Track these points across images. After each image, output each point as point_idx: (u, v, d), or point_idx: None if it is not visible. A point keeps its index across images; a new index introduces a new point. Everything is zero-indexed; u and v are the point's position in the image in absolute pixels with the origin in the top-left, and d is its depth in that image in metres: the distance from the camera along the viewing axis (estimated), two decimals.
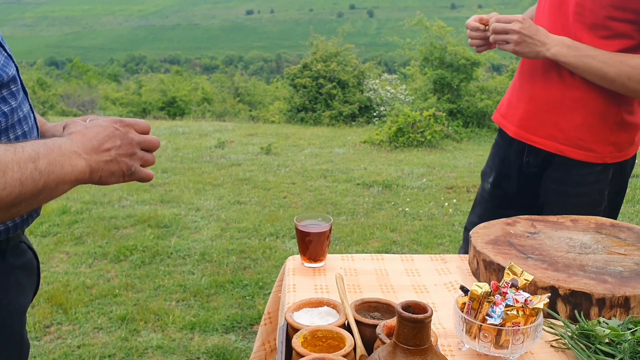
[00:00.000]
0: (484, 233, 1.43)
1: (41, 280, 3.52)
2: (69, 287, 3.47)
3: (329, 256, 1.40)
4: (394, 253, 4.13)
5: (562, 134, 1.62)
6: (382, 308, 1.06)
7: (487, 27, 1.61)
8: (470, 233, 1.43)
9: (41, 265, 3.73)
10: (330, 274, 1.34)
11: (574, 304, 1.16)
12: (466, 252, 1.89)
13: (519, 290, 1.07)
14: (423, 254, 1.50)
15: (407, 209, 5.23)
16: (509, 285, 1.08)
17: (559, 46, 1.50)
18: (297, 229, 1.35)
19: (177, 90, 24.18)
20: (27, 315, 3.03)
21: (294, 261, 1.39)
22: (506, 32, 1.52)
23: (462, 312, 1.06)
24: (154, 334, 2.93)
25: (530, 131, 1.66)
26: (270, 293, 3.40)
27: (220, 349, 2.80)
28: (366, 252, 4.12)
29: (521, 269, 1.10)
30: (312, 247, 1.34)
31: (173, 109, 23.01)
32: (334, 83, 14.31)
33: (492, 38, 1.57)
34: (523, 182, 1.76)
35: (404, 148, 9.04)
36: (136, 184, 6.18)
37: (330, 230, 1.36)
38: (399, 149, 8.97)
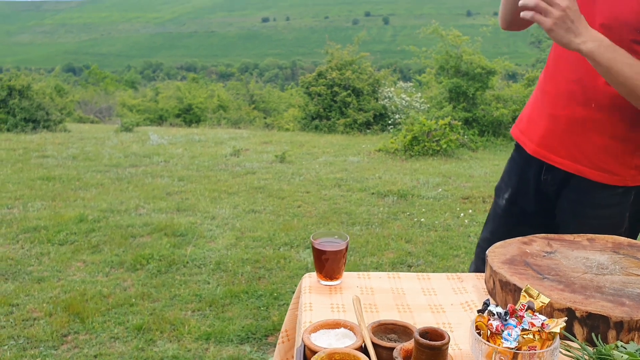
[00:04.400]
0: (500, 252, 1.43)
1: (59, 289, 3.56)
2: (85, 296, 3.51)
3: (345, 274, 1.41)
4: (410, 264, 4.13)
5: (582, 155, 1.59)
6: (399, 330, 1.07)
7: None
8: (487, 252, 1.42)
9: (58, 274, 3.78)
10: (347, 293, 1.34)
11: (591, 326, 1.16)
12: (477, 269, 1.87)
13: (535, 313, 1.07)
14: (439, 273, 1.50)
15: (422, 220, 5.22)
16: (525, 307, 1.07)
17: (596, 43, 1.37)
18: (313, 247, 1.36)
19: (193, 98, 24.40)
20: (36, 323, 3.05)
21: (310, 279, 1.40)
22: (551, 4, 1.35)
23: (479, 334, 1.06)
24: (170, 344, 2.95)
25: (551, 150, 1.64)
26: (284, 304, 3.42)
27: None
28: (381, 263, 4.12)
29: (537, 292, 1.09)
30: (328, 265, 1.35)
31: (189, 116, 23.22)
32: (349, 91, 14.34)
33: (533, 3, 1.36)
34: (540, 200, 1.74)
35: (419, 157, 9.04)
36: (152, 193, 6.24)
37: (346, 248, 1.36)
38: (414, 158, 8.96)
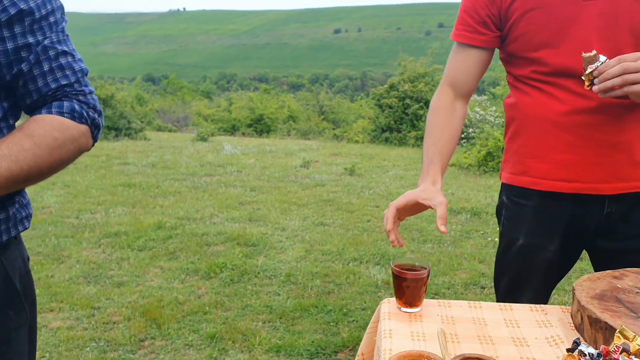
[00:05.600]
0: (589, 286, 1.37)
1: (137, 294, 3.70)
2: (162, 302, 3.63)
3: (424, 301, 1.39)
4: (483, 286, 4.03)
5: None
6: None
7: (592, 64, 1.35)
8: (575, 285, 1.37)
9: (137, 279, 3.93)
10: (427, 321, 1.32)
11: None
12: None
13: (631, 357, 1.01)
14: (522, 303, 1.45)
15: (496, 239, 5.07)
16: (620, 350, 1.02)
17: None
18: (393, 273, 1.35)
19: (264, 108, 24.87)
20: (116, 327, 3.16)
21: (390, 304, 1.39)
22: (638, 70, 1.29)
23: None
24: (242, 355, 3.01)
25: (628, 179, 1.53)
26: (354, 321, 3.41)
27: None
28: (453, 283, 4.03)
29: (633, 334, 1.04)
30: (409, 292, 1.34)
31: (260, 126, 23.69)
32: (421, 103, 14.20)
33: (620, 80, 1.30)
34: (599, 236, 1.61)
35: (494, 173, 8.80)
36: (226, 202, 6.40)
37: (427, 276, 1.35)
38: (488, 174, 8.75)
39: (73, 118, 1.17)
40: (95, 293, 3.79)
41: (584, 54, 1.36)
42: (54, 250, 4.63)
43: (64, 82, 1.16)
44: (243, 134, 20.45)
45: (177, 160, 9.56)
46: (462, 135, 13.09)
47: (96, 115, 1.22)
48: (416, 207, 1.47)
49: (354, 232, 5.31)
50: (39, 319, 3.39)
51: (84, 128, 1.19)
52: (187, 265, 4.33)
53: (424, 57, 15.21)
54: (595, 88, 1.35)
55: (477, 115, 13.33)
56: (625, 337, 1.05)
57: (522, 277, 1.70)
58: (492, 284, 4.14)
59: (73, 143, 1.16)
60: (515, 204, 1.69)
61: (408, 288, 1.33)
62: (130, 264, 4.35)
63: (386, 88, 14.90)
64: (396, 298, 1.37)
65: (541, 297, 1.68)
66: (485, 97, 15.70)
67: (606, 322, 1.20)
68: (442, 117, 1.64)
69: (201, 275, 4.15)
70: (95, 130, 1.23)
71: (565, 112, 1.51)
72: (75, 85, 1.19)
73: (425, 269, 1.35)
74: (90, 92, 1.22)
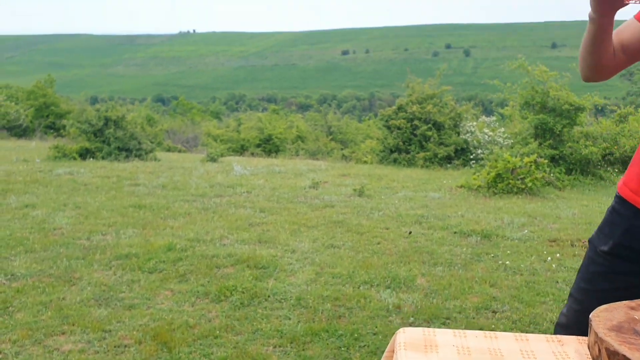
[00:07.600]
0: (606, 317, 1.36)
1: (148, 317, 3.69)
2: (173, 326, 3.63)
3: (439, 331, 1.39)
4: (494, 310, 4.00)
5: None
6: None
7: None
8: (591, 316, 1.36)
9: (148, 302, 3.93)
10: (443, 351, 1.32)
11: None
12: (568, 324, 1.78)
13: None
14: (538, 334, 1.45)
15: (507, 262, 5.05)
16: None
17: None
18: None
19: (273, 128, 24.99)
20: (127, 350, 3.16)
21: (405, 334, 1.39)
22: None
23: None
24: None
25: None
26: (365, 346, 3.40)
27: None
28: (465, 307, 4.01)
29: None
30: None
31: (269, 146, 23.79)
32: (430, 125, 14.24)
33: None
34: None
35: (503, 195, 8.79)
36: (236, 224, 6.41)
37: None
38: (498, 196, 8.73)
39: None
40: (107, 316, 3.79)
41: None
42: (65, 272, 4.65)
43: None
44: (252, 153, 20.55)
45: (187, 181, 9.61)
46: (471, 157, 13.10)
47: None
48: None
49: (364, 255, 5.30)
50: (50, 342, 3.40)
51: None
52: (198, 287, 4.34)
53: (432, 79, 15.28)
54: None
55: (486, 136, 13.35)
56: None
57: (583, 266, 1.81)
58: (504, 308, 4.11)
59: None
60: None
61: None
62: (140, 287, 4.36)
63: (394, 109, 14.97)
64: None
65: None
66: (494, 118, 15.73)
67: (624, 355, 1.20)
68: None
69: (211, 298, 4.15)
70: None
71: None
72: None
73: None
74: None
